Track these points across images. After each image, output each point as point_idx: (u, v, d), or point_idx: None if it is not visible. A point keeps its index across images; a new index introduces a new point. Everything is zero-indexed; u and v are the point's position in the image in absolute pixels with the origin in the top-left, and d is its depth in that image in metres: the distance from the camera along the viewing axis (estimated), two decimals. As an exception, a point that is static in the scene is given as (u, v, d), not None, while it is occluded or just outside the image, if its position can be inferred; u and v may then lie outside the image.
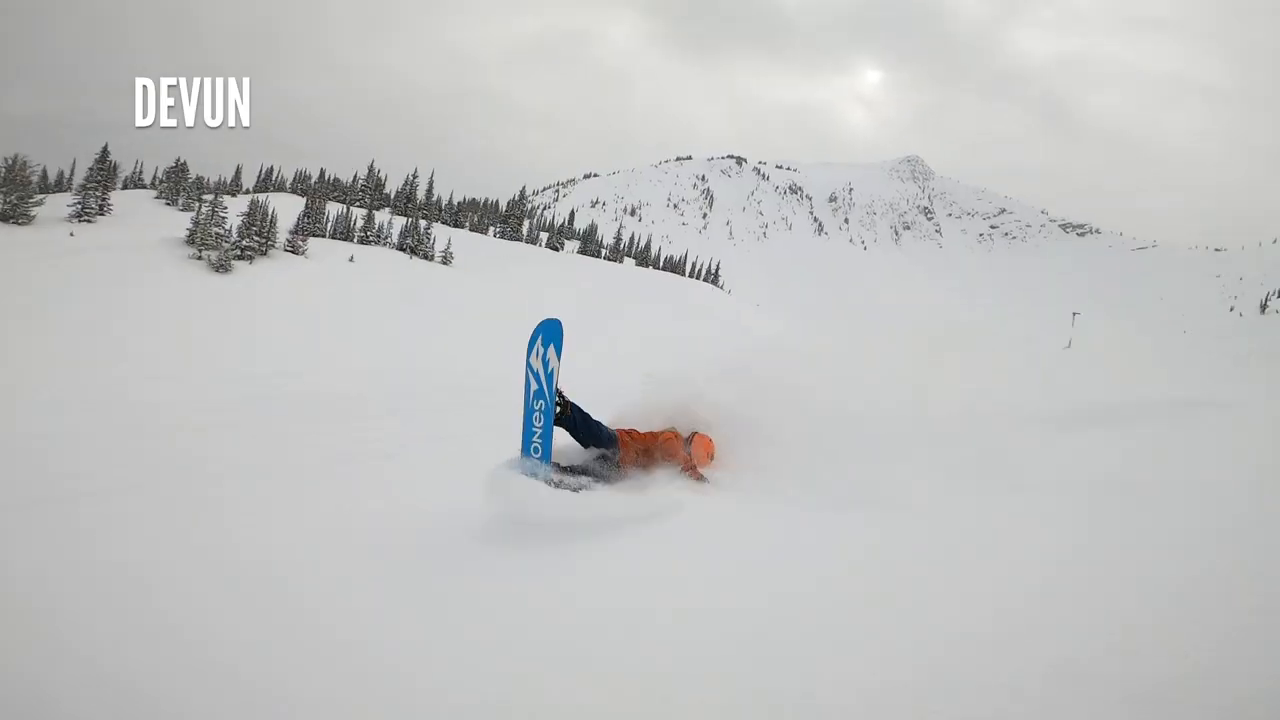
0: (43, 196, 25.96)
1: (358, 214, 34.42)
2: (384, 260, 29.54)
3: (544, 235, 53.24)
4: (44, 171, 34.13)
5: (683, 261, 69.52)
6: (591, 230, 62.91)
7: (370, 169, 41.24)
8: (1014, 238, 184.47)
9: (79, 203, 26.28)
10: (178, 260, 22.94)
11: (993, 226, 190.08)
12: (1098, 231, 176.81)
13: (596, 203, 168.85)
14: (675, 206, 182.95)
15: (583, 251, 55.96)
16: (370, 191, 40.40)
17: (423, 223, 34.65)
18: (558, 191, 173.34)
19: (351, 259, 28.07)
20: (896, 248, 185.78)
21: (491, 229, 46.26)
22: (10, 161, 23.74)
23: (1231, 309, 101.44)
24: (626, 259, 58.95)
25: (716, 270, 74.87)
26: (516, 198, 50.18)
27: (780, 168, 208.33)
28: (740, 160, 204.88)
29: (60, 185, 34.61)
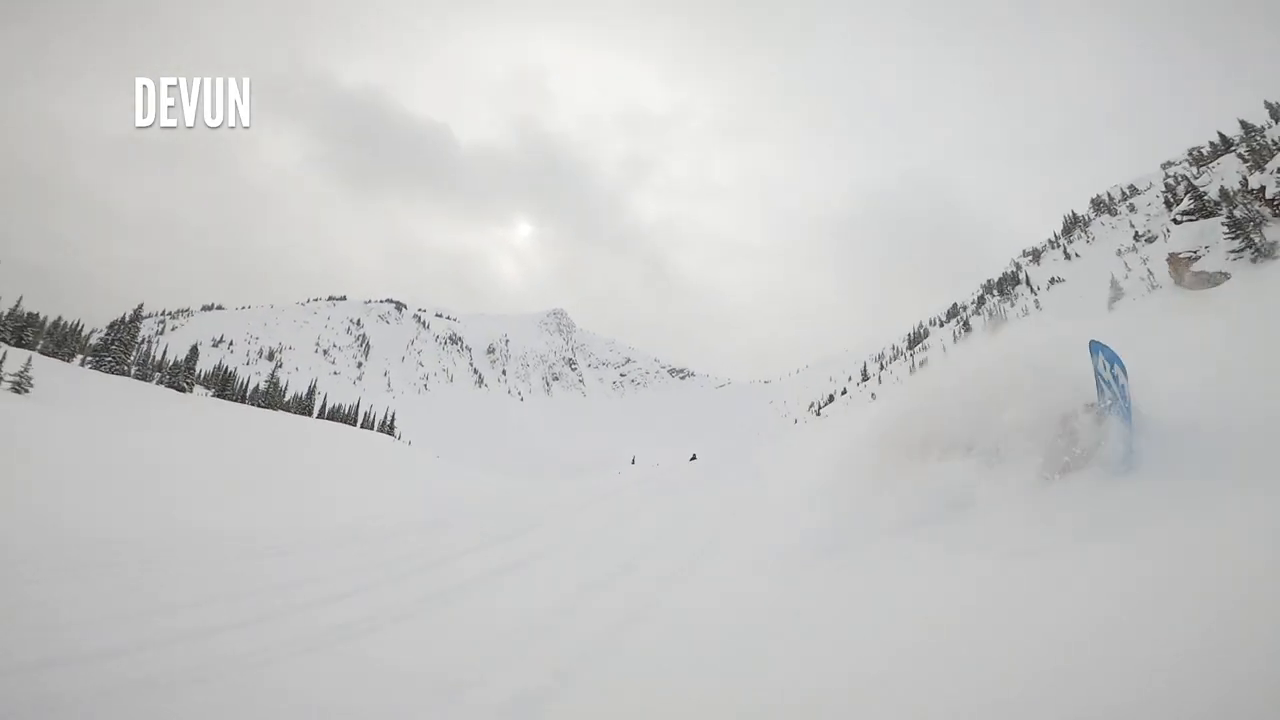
0: None
1: None
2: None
3: (156, 374, 42.46)
4: None
5: (353, 412, 63.07)
6: (225, 372, 52.79)
7: None
8: (638, 383, 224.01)
9: None
10: None
11: (622, 374, 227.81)
12: (693, 374, 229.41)
13: (221, 341, 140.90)
14: (325, 352, 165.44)
15: (221, 396, 46.43)
16: None
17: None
18: (164, 322, 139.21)
19: None
20: (549, 397, 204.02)
21: (79, 358, 34.77)
22: None
23: (785, 418, 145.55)
24: (279, 409, 50.95)
25: (392, 421, 69.90)
26: (126, 319, 39.24)
27: (440, 316, 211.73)
28: (400, 306, 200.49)
29: None
